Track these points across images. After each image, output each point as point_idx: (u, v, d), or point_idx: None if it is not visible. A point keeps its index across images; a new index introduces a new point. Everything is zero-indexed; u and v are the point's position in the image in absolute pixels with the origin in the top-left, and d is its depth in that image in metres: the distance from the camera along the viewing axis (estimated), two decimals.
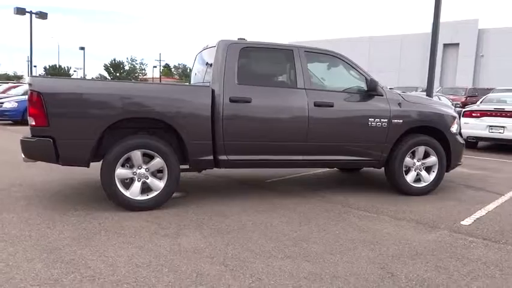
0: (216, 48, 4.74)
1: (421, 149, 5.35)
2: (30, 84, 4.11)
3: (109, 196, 4.34)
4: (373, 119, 5.07)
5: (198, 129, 4.48)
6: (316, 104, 4.84)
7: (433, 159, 5.40)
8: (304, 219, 4.29)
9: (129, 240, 3.55)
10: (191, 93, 4.52)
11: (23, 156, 4.28)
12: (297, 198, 5.11)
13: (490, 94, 11.58)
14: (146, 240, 3.56)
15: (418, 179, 5.42)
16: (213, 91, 4.54)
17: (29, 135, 4.20)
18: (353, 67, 5.19)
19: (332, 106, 4.91)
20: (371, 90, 5.04)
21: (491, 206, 4.95)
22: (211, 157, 4.59)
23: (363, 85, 5.13)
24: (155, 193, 4.40)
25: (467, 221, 4.33)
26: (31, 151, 4.17)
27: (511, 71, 32.91)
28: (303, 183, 6.05)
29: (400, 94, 5.34)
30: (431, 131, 5.43)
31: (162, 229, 3.85)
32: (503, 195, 5.54)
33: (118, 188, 4.28)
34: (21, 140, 4.18)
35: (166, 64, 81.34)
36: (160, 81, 60.62)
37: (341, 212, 4.56)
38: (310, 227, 4.03)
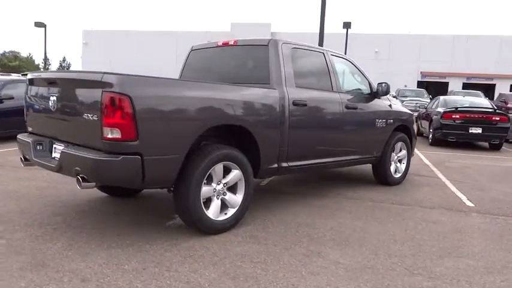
0: (268, 47, 4.40)
1: (398, 145, 6.16)
2: (109, 85, 3.04)
3: (193, 222, 3.61)
4: (378, 120, 5.60)
5: (270, 136, 4.15)
6: (347, 107, 5.05)
7: (404, 152, 6.30)
8: (361, 216, 4.53)
9: (272, 260, 3.16)
10: (265, 97, 4.11)
11: (89, 181, 3.12)
12: (323, 198, 5.23)
13: None
14: (292, 259, 3.23)
15: (394, 171, 6.23)
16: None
17: (100, 153, 3.11)
18: (361, 72, 5.58)
19: (356, 109, 5.21)
20: (384, 94, 5.52)
21: (454, 189, 6.10)
22: (276, 165, 4.30)
23: (366, 88, 5.59)
24: (233, 210, 3.88)
25: (468, 203, 5.30)
26: (111, 173, 3.08)
27: None
28: (299, 183, 6.11)
29: (387, 98, 6.00)
30: (402, 128, 6.30)
31: (273, 245, 3.55)
32: (443, 179, 6.85)
33: (203, 211, 3.61)
34: (94, 160, 3.05)
35: None
36: None
37: (378, 207, 4.88)
38: (381, 223, 4.30)
